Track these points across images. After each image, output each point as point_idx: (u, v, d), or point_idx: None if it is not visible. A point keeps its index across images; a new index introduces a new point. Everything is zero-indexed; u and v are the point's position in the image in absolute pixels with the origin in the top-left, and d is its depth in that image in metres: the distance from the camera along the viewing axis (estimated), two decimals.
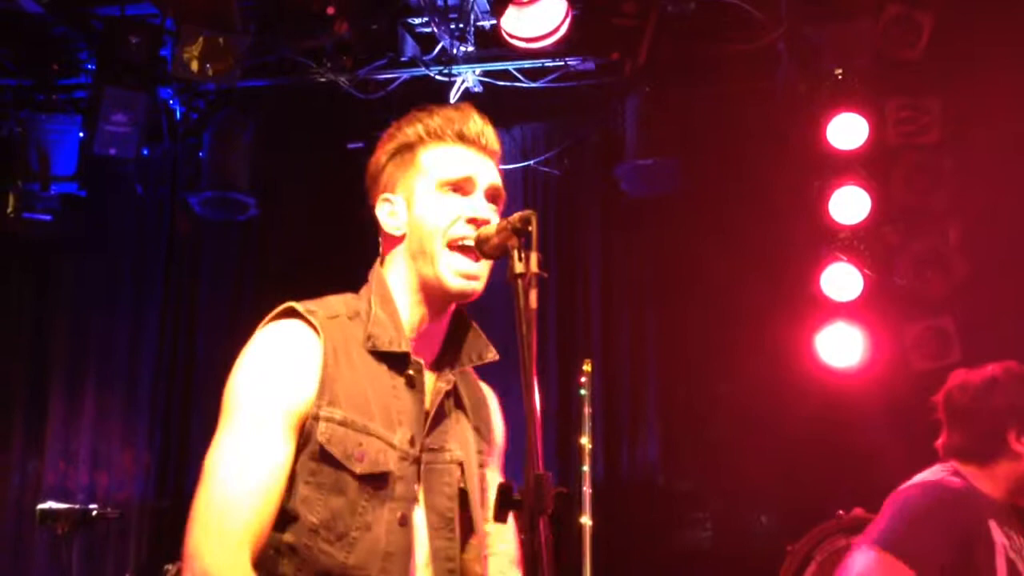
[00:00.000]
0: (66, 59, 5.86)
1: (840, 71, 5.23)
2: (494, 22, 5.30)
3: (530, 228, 1.65)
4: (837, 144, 5.18)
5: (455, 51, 5.53)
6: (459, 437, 1.98)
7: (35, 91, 5.88)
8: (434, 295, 1.95)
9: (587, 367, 4.77)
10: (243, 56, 5.28)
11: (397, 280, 1.98)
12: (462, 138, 2.01)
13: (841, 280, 5.24)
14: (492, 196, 1.99)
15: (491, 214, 1.96)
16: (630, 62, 5.39)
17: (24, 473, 6.31)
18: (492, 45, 5.52)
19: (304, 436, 1.83)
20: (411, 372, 1.92)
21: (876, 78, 5.20)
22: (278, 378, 1.84)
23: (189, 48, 5.12)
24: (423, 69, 5.59)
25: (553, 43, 5.11)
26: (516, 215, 1.69)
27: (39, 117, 5.79)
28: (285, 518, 1.81)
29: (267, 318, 1.92)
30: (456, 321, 2.03)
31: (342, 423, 1.83)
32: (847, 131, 5.17)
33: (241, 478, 1.77)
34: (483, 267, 1.93)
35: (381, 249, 2.04)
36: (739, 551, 5.52)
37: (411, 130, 2.04)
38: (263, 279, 6.32)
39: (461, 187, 1.97)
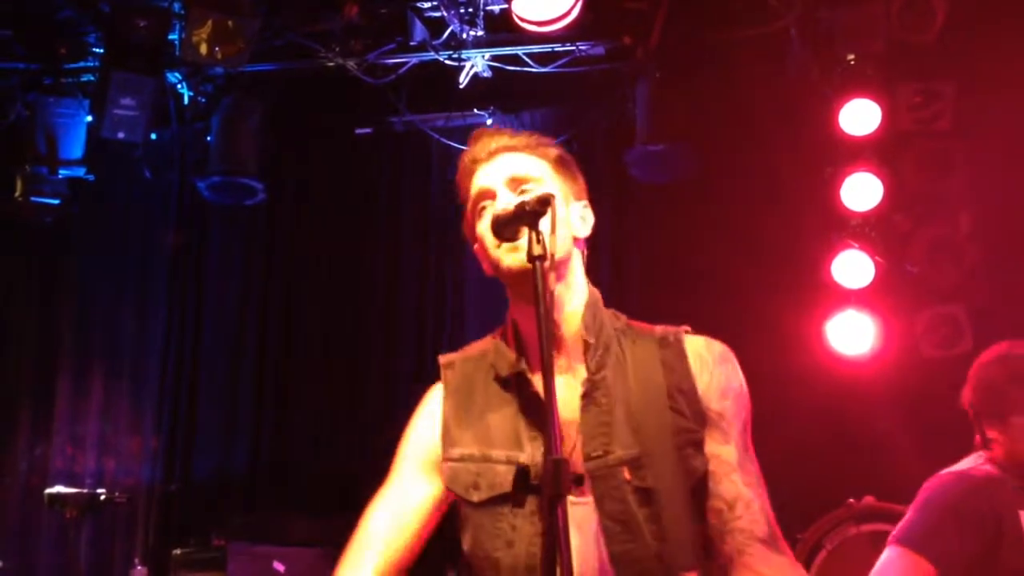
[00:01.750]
0: (74, 43, 5.83)
1: (852, 56, 5.19)
2: (503, 6, 5.27)
3: (548, 209, 1.63)
4: (849, 130, 5.14)
5: (464, 36, 5.50)
6: (626, 434, 1.90)
7: (43, 75, 5.86)
8: (507, 282, 2.00)
9: None
10: (252, 40, 5.25)
11: (515, 307, 2.05)
12: (475, 162, 2.07)
13: (852, 267, 5.20)
14: (513, 185, 1.99)
15: (515, 198, 1.95)
16: (641, 47, 5.35)
17: (32, 458, 6.32)
18: (501, 30, 5.49)
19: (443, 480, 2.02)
20: (528, 390, 1.95)
21: (889, 63, 5.16)
22: (414, 432, 2.08)
23: (197, 31, 5.09)
24: (432, 54, 5.56)
25: (563, 27, 5.07)
26: (533, 197, 1.67)
27: (47, 101, 5.76)
28: (465, 557, 2.00)
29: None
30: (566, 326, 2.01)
31: (460, 459, 1.98)
32: (859, 117, 5.13)
33: (380, 513, 2.03)
34: (520, 242, 1.87)
35: None
36: None
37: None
38: (271, 263, 6.32)
39: (485, 200, 2.01)
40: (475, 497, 1.93)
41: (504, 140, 2.04)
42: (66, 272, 6.55)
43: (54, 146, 5.74)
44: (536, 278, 1.56)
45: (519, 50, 5.59)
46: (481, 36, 5.55)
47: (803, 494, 5.36)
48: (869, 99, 5.12)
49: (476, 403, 2.01)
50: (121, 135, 5.37)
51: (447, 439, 2.00)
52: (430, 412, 2.07)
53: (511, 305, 2.04)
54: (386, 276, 6.16)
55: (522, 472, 1.49)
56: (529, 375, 1.95)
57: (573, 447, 1.88)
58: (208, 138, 5.79)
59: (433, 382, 2.14)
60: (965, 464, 3.08)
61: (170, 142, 6.02)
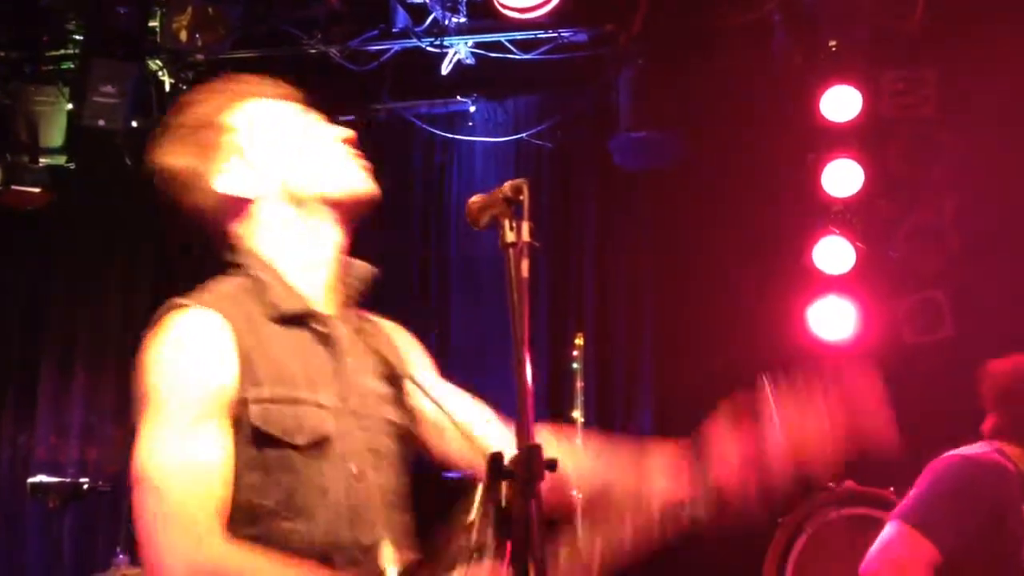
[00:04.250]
0: (54, 30, 5.79)
1: (835, 43, 5.20)
2: None
3: (521, 197, 1.63)
4: (831, 116, 5.16)
5: (447, 22, 5.48)
6: (379, 370, 1.96)
7: (23, 62, 5.81)
8: (341, 207, 1.98)
9: (579, 341, 4.76)
10: (233, 26, 5.23)
11: (274, 241, 1.94)
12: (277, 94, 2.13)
13: (834, 253, 5.23)
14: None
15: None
16: (624, 33, 5.35)
17: (15, 447, 6.30)
18: (484, 16, 5.47)
19: (235, 423, 1.76)
20: (318, 328, 1.89)
21: (872, 50, 5.18)
22: (199, 366, 1.75)
23: (178, 18, 5.07)
24: (415, 41, 5.55)
25: (546, 14, 5.07)
26: (507, 184, 1.67)
27: (27, 88, 5.72)
28: (242, 513, 1.75)
29: (158, 317, 1.85)
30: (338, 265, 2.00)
31: (272, 400, 1.77)
32: (841, 103, 5.15)
33: (190, 466, 1.69)
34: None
35: (225, 223, 2.00)
36: (731, 523, 5.53)
37: (212, 103, 2.07)
38: None
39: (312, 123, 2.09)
40: (299, 440, 1.77)
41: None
42: (49, 261, 6.51)
43: (35, 134, 5.70)
44: (510, 266, 1.56)
45: (502, 37, 5.57)
46: (464, 23, 5.53)
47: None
48: (851, 85, 5.13)
49: (265, 340, 1.81)
50: (102, 123, 5.34)
51: (250, 377, 1.76)
52: (217, 345, 1.77)
53: (272, 234, 1.93)
54: (368, 263, 6.14)
55: (495, 457, 1.49)
56: (314, 313, 1.89)
57: (347, 392, 1.88)
58: None
59: None
60: (974, 449, 3.09)
61: (152, 130, 5.97)
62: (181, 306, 1.83)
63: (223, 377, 1.76)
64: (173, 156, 1.99)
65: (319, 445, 1.80)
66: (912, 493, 3.01)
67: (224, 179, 1.95)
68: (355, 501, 1.81)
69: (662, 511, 1.96)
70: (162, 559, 1.65)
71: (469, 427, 1.92)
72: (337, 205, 1.96)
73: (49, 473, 5.22)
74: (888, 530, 2.95)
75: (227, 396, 1.76)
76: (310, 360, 1.86)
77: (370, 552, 1.81)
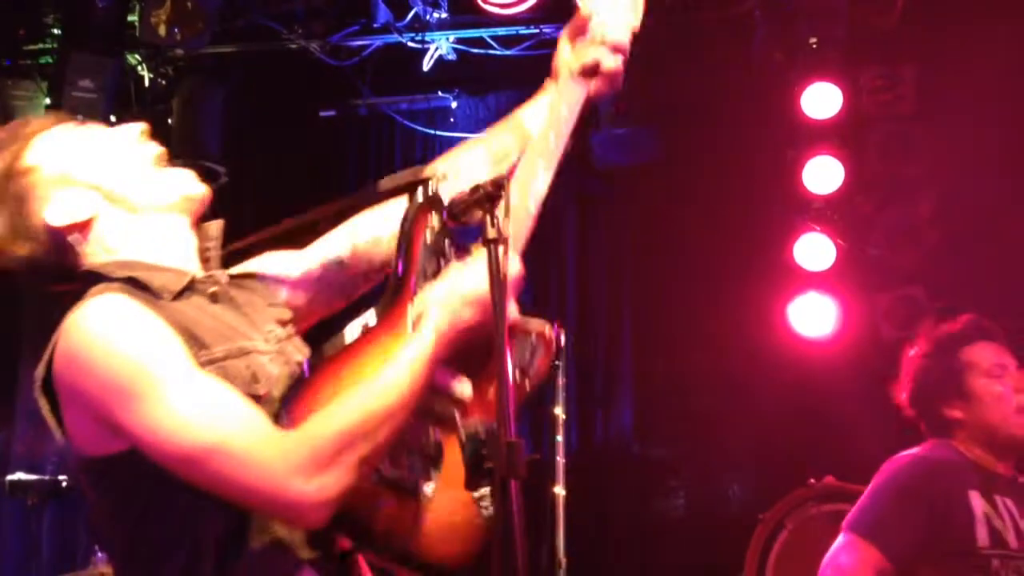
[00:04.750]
0: (32, 24, 5.74)
1: (815, 40, 5.21)
2: None
3: (502, 192, 1.63)
4: (811, 113, 5.18)
5: (428, 18, 5.47)
6: (271, 319, 1.92)
7: (0, 57, 5.77)
8: (178, 208, 1.91)
9: (561, 337, 4.76)
10: (212, 21, 5.20)
11: (126, 245, 1.86)
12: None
13: (814, 250, 5.25)
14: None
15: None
16: None
17: None
18: (466, 12, 5.47)
19: None
20: (206, 289, 1.85)
21: (851, 47, 5.20)
22: (154, 330, 1.65)
23: (157, 12, 5.04)
24: (396, 36, 5.53)
25: (527, 9, 5.08)
26: (488, 179, 1.67)
27: (5, 82, 5.67)
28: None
29: (75, 313, 1.73)
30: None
31: (226, 357, 1.70)
32: (821, 100, 5.17)
33: (230, 408, 1.60)
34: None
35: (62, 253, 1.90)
36: (712, 520, 5.56)
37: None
38: (232, 243, 6.26)
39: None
40: (261, 390, 1.70)
41: None
42: None
43: None
44: (490, 261, 1.56)
45: (483, 32, 5.57)
46: (445, 18, 5.53)
47: (766, 474, 5.42)
48: (831, 83, 5.15)
49: (177, 315, 1.72)
50: (80, 117, 5.28)
51: (194, 343, 1.67)
52: (151, 315, 1.67)
53: (122, 238, 1.86)
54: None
55: (476, 449, 1.48)
56: (199, 279, 1.85)
57: (255, 322, 1.87)
58: (169, 121, 5.73)
59: None
60: (922, 449, 3.12)
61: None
62: (94, 296, 1.74)
63: (178, 341, 1.66)
64: None
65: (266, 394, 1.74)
66: (860, 501, 3.06)
67: (53, 211, 1.84)
68: None
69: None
70: (285, 495, 1.55)
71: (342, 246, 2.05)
72: (168, 210, 1.89)
73: (28, 470, 5.18)
74: (839, 542, 3.01)
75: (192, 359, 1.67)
76: (220, 318, 1.81)
77: None
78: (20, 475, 4.82)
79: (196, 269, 1.90)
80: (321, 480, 1.55)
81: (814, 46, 5.21)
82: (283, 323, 1.93)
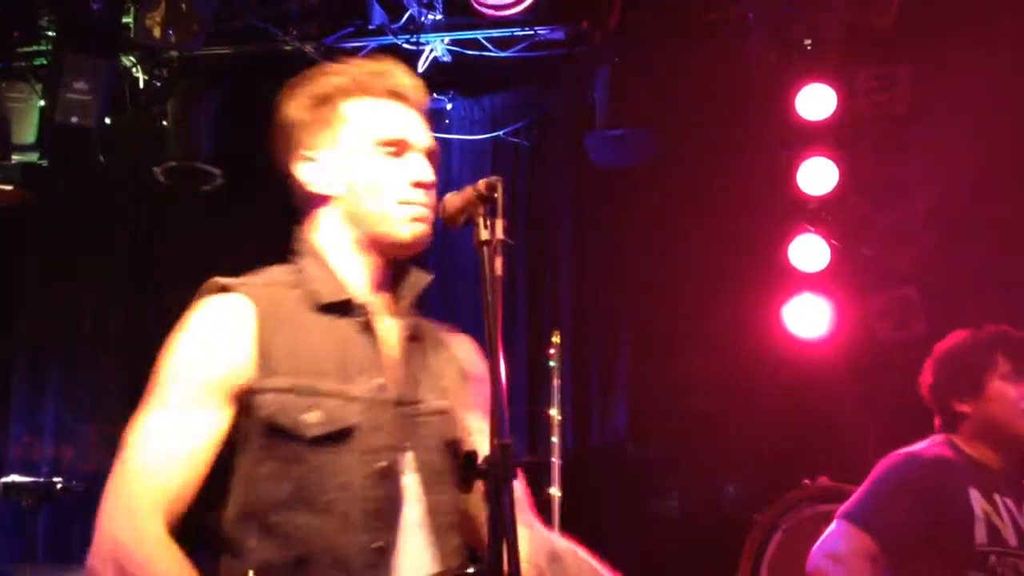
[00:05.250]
0: (26, 25, 5.73)
1: (810, 41, 5.22)
2: None
3: (496, 194, 1.62)
4: (806, 114, 5.18)
5: (423, 19, 5.47)
6: (436, 386, 1.91)
7: None
8: (384, 249, 1.92)
9: (556, 339, 4.77)
10: (206, 22, 5.19)
11: (330, 239, 1.93)
12: (394, 93, 1.96)
13: (809, 251, 5.25)
14: (431, 158, 1.96)
15: (433, 176, 1.93)
16: (600, 31, 5.35)
17: None
18: (461, 14, 5.46)
19: (244, 410, 1.76)
20: (362, 318, 1.86)
21: (846, 48, 5.20)
22: (207, 350, 1.77)
23: (151, 14, 5.03)
24: (391, 38, 5.53)
25: (522, 11, 5.07)
26: (482, 181, 1.67)
27: None
28: (258, 502, 1.74)
29: (196, 298, 1.86)
30: (396, 267, 1.98)
31: (289, 390, 1.75)
32: (816, 101, 5.17)
33: (159, 446, 1.73)
34: (431, 211, 1.91)
35: (305, 209, 1.98)
36: (707, 520, 5.56)
37: (335, 80, 1.97)
38: (230, 249, 6.26)
39: (398, 148, 1.92)
40: (311, 432, 1.73)
41: (426, 101, 2.01)
42: (22, 259, 6.45)
43: (7, 131, 5.64)
44: (484, 263, 1.56)
45: (478, 34, 5.57)
46: (440, 20, 5.52)
47: (760, 475, 5.43)
48: (826, 83, 5.15)
49: (300, 329, 1.80)
50: (75, 119, 5.29)
51: (266, 365, 1.75)
52: (234, 331, 1.77)
53: (320, 230, 1.93)
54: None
55: (469, 455, 1.48)
56: (358, 303, 1.87)
57: (388, 385, 1.83)
58: (164, 123, 5.73)
59: None
60: (919, 445, 3.14)
61: (125, 127, 5.93)
62: (213, 290, 1.84)
63: (232, 364, 1.76)
64: (287, 110, 1.99)
65: (337, 437, 1.75)
66: (856, 493, 3.08)
67: (304, 168, 1.94)
68: (377, 502, 1.75)
69: None
70: (99, 523, 1.72)
71: None
72: (379, 245, 1.92)
73: (22, 472, 5.18)
74: (832, 529, 3.02)
75: (233, 383, 1.76)
76: (348, 349, 1.82)
77: (384, 555, 1.74)
78: (15, 477, 4.83)
79: (369, 293, 1.91)
80: (99, 560, 1.72)
81: (809, 47, 5.21)
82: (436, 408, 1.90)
